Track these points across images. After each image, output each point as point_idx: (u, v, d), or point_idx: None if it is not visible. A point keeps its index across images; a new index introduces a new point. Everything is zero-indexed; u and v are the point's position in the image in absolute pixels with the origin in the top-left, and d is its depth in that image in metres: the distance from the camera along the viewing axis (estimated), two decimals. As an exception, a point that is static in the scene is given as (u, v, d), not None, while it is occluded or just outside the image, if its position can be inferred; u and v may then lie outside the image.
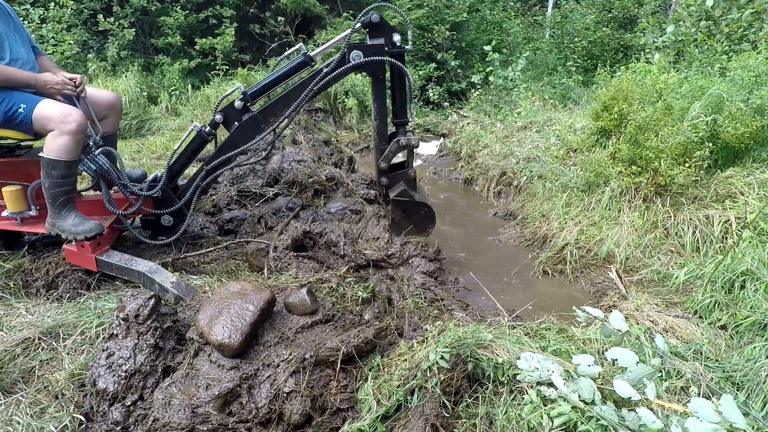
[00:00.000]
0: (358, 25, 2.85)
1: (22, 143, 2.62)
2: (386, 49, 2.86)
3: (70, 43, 7.47)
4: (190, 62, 8.04)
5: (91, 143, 2.58)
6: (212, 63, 8.03)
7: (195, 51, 8.15)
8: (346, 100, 7.62)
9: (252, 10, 8.62)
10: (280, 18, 8.52)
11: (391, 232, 3.18)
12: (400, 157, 3.20)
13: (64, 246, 2.60)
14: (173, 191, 3.01)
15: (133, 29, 7.73)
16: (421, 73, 9.05)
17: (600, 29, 8.74)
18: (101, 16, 7.62)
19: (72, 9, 7.63)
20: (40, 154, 2.35)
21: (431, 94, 9.08)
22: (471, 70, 9.40)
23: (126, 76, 7.37)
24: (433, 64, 9.34)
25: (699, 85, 3.98)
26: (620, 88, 4.21)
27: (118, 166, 2.72)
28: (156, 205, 2.93)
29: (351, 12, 9.04)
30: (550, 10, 11.05)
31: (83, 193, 2.86)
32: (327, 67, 2.84)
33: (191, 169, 3.45)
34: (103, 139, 2.69)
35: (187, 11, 8.07)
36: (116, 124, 2.90)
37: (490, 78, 8.34)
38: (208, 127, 2.94)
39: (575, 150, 4.78)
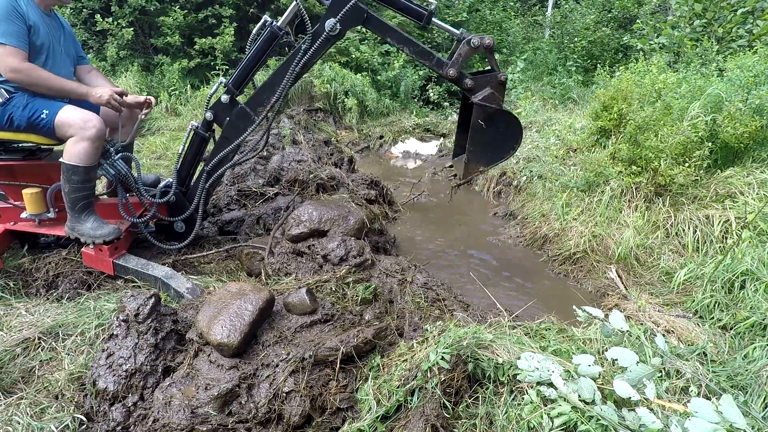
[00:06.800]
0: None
1: (42, 146, 2.63)
2: None
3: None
4: (189, 62, 8.03)
5: (111, 149, 2.60)
6: (212, 63, 8.02)
7: (194, 51, 8.13)
8: (346, 100, 7.61)
9: (252, 10, 8.60)
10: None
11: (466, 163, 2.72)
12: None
13: (82, 249, 2.63)
14: (185, 195, 3.02)
15: (132, 29, 7.72)
16: (421, 73, 9.04)
17: (600, 29, 8.74)
18: (99, 15, 7.61)
19: (71, 8, 7.62)
20: (61, 160, 2.37)
21: (431, 94, 9.07)
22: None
23: (125, 76, 7.38)
24: (433, 64, 9.33)
25: (698, 85, 3.98)
26: (620, 88, 4.22)
27: (135, 171, 2.74)
28: (171, 211, 2.94)
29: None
30: (550, 10, 11.05)
31: (100, 198, 2.86)
32: (305, 44, 2.74)
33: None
34: (122, 147, 2.72)
35: (186, 11, 8.06)
36: (134, 133, 2.91)
37: (490, 78, 8.32)
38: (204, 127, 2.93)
39: (575, 150, 4.79)
